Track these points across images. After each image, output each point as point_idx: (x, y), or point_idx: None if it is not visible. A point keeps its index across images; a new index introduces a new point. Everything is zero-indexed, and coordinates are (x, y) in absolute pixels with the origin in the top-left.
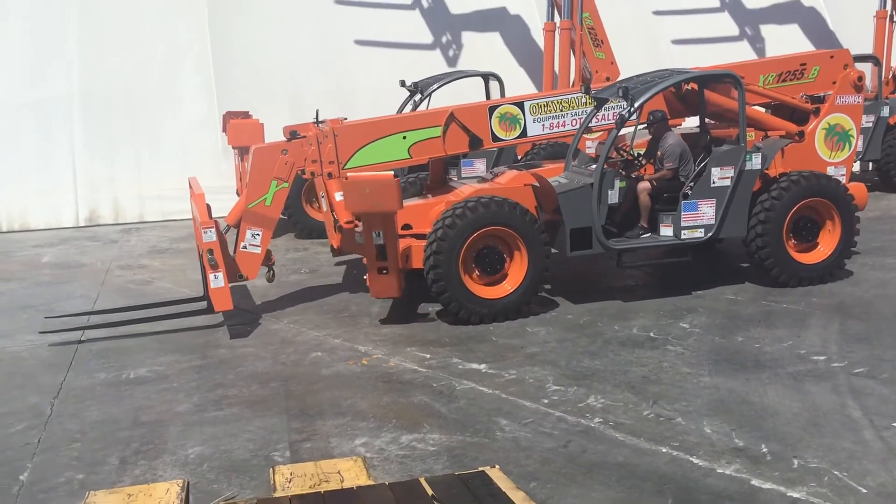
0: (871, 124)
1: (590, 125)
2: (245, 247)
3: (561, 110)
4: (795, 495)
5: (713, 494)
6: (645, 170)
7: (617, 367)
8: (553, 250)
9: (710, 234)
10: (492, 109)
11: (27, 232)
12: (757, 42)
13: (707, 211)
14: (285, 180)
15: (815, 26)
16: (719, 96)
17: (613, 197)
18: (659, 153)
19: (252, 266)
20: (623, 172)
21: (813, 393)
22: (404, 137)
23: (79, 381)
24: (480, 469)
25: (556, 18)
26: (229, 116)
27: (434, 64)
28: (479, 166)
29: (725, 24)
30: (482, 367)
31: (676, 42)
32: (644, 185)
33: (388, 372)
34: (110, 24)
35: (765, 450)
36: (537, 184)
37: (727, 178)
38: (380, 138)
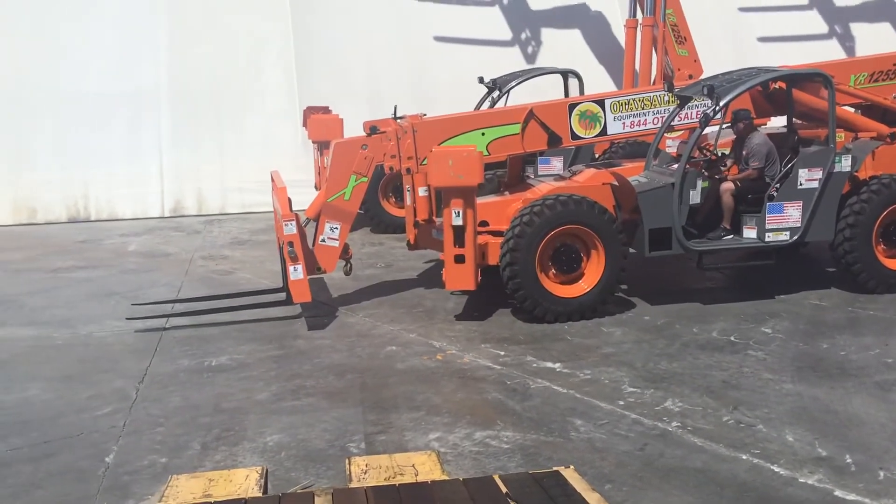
0: None
1: (672, 124)
2: (324, 240)
3: (642, 108)
4: None
5: None
6: (729, 171)
7: (696, 370)
8: (631, 250)
9: (795, 237)
10: (572, 107)
11: (115, 221)
12: (847, 41)
13: (793, 213)
14: (364, 175)
15: None
16: (808, 96)
17: (695, 197)
18: (745, 152)
19: (330, 259)
20: (706, 173)
21: None
22: (483, 134)
23: (163, 367)
24: (555, 469)
25: (639, 15)
26: (310, 111)
27: (513, 60)
28: (556, 164)
29: (814, 22)
30: (557, 366)
31: (762, 40)
32: (727, 186)
33: (462, 368)
34: (196, 18)
35: (849, 460)
36: (616, 183)
37: (815, 179)
38: (459, 134)
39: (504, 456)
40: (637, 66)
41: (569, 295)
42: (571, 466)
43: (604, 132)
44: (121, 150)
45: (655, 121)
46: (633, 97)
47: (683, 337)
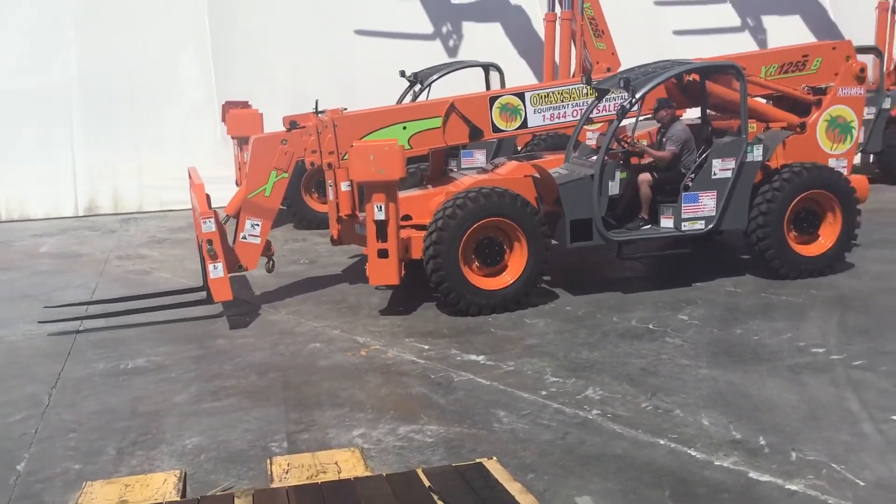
0: (872, 116)
1: (591, 116)
2: (245, 237)
3: (562, 101)
4: (793, 488)
5: (711, 487)
6: (642, 158)
7: (616, 358)
8: (553, 242)
9: (710, 226)
10: (492, 100)
11: (27, 221)
12: (759, 33)
13: (708, 202)
14: (285, 170)
15: (816, 17)
16: (721, 87)
17: (614, 188)
18: (664, 139)
19: (252, 256)
20: (623, 163)
21: (811, 385)
22: (404, 128)
23: (77, 371)
24: (477, 461)
25: (557, 9)
26: (229, 106)
27: (435, 54)
28: (479, 157)
29: (727, 14)
30: (480, 358)
31: (678, 33)
32: (645, 177)
33: (386, 363)
34: (110, 11)
35: (763, 442)
36: (538, 175)
37: (728, 169)
38: (380, 128)
39: (428, 450)
40: (557, 60)
41: (492, 287)
42: (494, 458)
43: (524, 125)
44: (31, 148)
45: (575, 113)
46: (553, 90)
47: (604, 326)
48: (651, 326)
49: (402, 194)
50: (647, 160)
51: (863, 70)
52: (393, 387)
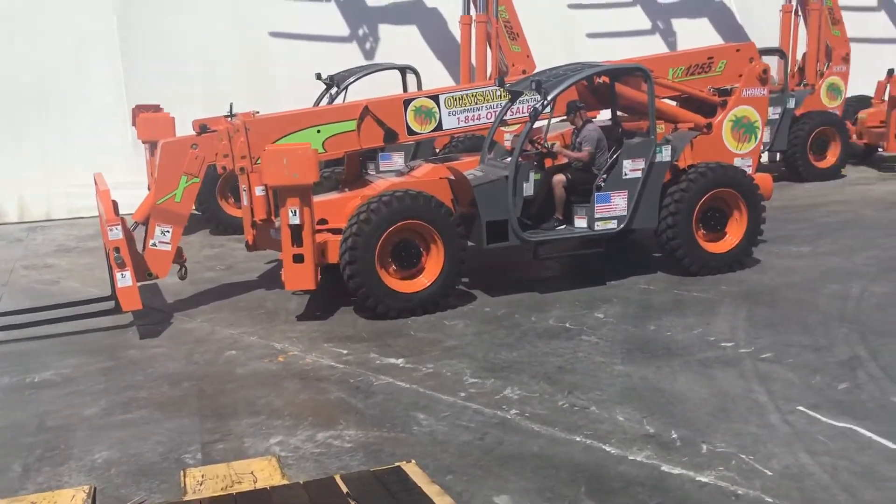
0: (777, 116)
1: (505, 118)
2: (154, 244)
3: (476, 103)
4: (704, 480)
5: (625, 481)
6: (556, 160)
7: (534, 358)
8: (470, 243)
9: (622, 225)
10: (407, 103)
11: None
12: (669, 36)
13: (619, 202)
14: (196, 175)
15: (723, 20)
16: (631, 90)
17: (528, 189)
18: (578, 140)
19: (162, 264)
20: (537, 165)
21: (721, 379)
22: (318, 131)
23: None
24: (396, 465)
25: (472, 11)
26: (139, 110)
27: (352, 57)
28: (398, 160)
29: (638, 18)
30: (400, 361)
31: (591, 36)
32: (559, 178)
33: (304, 369)
34: (13, 12)
35: (675, 436)
36: (453, 177)
37: (638, 169)
38: (293, 132)
39: (346, 455)
40: (473, 62)
41: (410, 290)
42: (413, 461)
43: (439, 127)
44: None
45: (489, 115)
46: (467, 92)
47: (522, 326)
48: (568, 325)
49: (317, 198)
50: (561, 161)
51: (765, 71)
52: (311, 393)
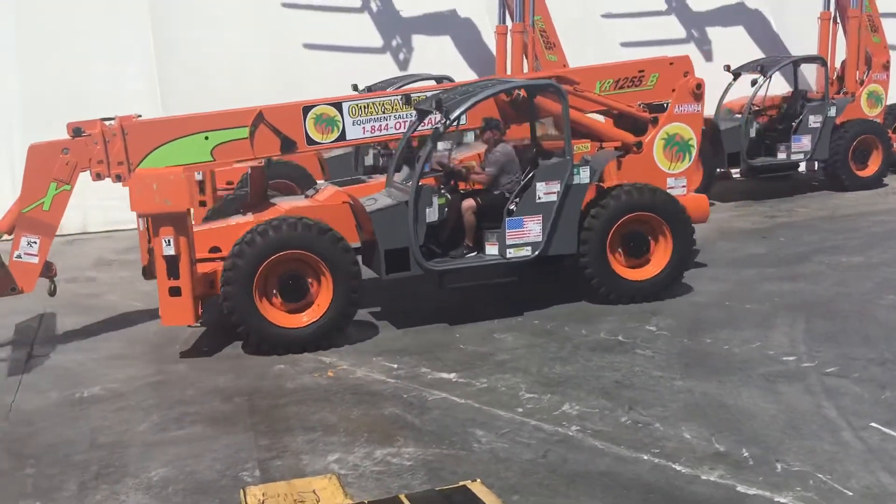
0: (818, 125)
1: (411, 136)
2: (20, 256)
3: (383, 112)
4: (783, 500)
5: (700, 502)
6: (463, 183)
7: (589, 372)
8: (377, 273)
9: (537, 252)
10: (306, 110)
11: None
12: (704, 44)
13: (533, 227)
14: (66, 182)
15: (760, 28)
16: (554, 105)
17: (432, 215)
18: (481, 163)
19: (29, 277)
20: (443, 188)
21: (787, 394)
22: (206, 138)
23: None
24: (462, 483)
25: (508, 21)
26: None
27: (385, 68)
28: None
29: (673, 27)
30: (452, 376)
31: (625, 45)
32: (468, 203)
33: (355, 384)
34: (49, 31)
35: (746, 454)
36: (354, 202)
37: (553, 192)
38: (178, 138)
39: (407, 473)
40: (509, 72)
41: (297, 325)
42: (478, 480)
43: (342, 137)
44: None
45: (398, 125)
46: (372, 101)
47: (573, 339)
48: (620, 338)
49: (208, 224)
50: (472, 185)
51: (699, 86)
52: (365, 408)
